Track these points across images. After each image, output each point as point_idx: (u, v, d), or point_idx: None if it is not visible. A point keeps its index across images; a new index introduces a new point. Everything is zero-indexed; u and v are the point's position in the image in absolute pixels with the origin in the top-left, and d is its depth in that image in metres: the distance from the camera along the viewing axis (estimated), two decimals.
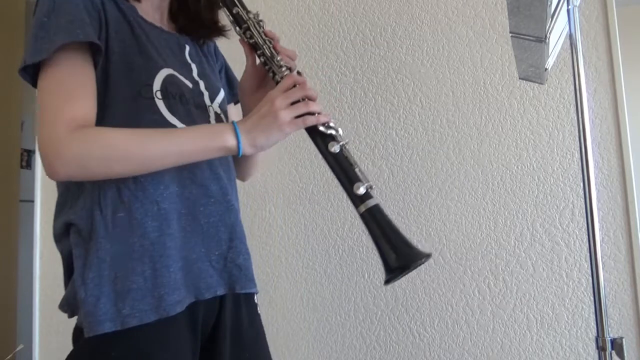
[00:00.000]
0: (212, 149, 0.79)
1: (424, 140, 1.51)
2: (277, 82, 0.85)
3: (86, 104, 0.76)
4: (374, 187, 0.80)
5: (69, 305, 0.80)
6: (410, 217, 1.50)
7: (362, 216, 0.78)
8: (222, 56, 1.09)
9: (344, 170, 0.79)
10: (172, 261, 0.79)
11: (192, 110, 0.87)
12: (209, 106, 0.92)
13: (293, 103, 0.80)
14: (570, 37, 0.92)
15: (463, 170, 1.47)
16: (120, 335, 0.73)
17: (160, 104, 0.82)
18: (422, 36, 1.55)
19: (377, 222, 0.77)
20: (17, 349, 1.99)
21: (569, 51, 0.92)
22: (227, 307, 0.88)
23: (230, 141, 0.79)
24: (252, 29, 0.87)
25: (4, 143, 2.64)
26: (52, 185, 0.84)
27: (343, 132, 0.83)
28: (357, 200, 0.78)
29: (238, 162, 1.00)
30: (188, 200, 0.83)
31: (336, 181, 0.82)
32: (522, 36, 0.92)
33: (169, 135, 0.78)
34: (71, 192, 0.81)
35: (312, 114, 0.81)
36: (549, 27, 0.90)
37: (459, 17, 1.52)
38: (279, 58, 0.86)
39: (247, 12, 0.88)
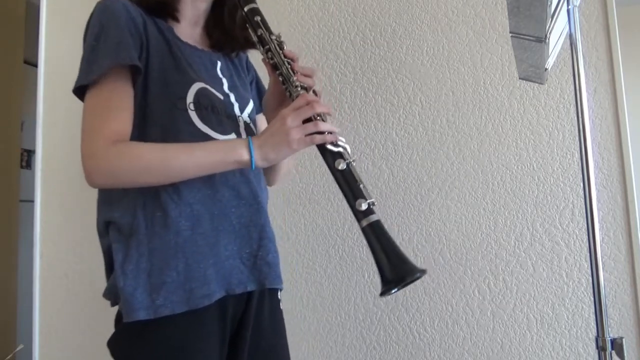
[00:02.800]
0: (228, 162, 0.86)
1: (424, 140, 1.51)
2: (293, 101, 0.91)
3: (122, 121, 0.86)
4: (376, 203, 0.84)
5: (111, 294, 0.88)
6: (410, 217, 1.50)
7: (364, 230, 0.83)
8: (254, 69, 1.17)
9: (349, 186, 0.85)
10: (204, 258, 0.87)
11: (224, 120, 0.95)
12: (238, 116, 1.00)
13: (304, 121, 0.86)
14: (570, 37, 0.91)
15: (463, 170, 1.47)
16: (154, 323, 0.82)
17: (193, 115, 0.90)
18: (422, 36, 1.55)
19: (377, 237, 0.82)
20: (17, 349, 1.99)
21: (569, 51, 0.92)
22: (253, 302, 0.95)
23: (244, 155, 0.86)
24: (273, 50, 0.94)
25: (4, 143, 2.64)
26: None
27: (350, 145, 0.89)
28: (360, 215, 0.83)
29: (265, 170, 1.09)
30: (220, 202, 0.91)
31: (334, 182, 0.86)
32: (522, 36, 0.92)
33: (189, 150, 0.86)
34: (115, 192, 0.90)
35: (321, 132, 0.86)
36: (549, 27, 0.90)
37: (459, 17, 1.52)
38: (295, 78, 0.92)
39: (270, 34, 0.95)
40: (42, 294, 1.75)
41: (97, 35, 0.87)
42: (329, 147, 0.86)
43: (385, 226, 0.83)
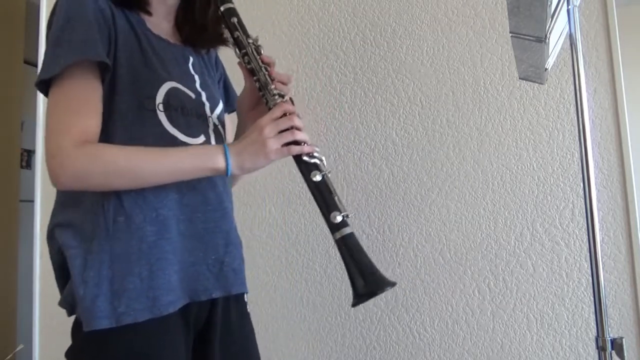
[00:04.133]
0: (203, 169, 0.84)
1: (424, 140, 1.51)
2: (270, 109, 0.89)
3: (91, 120, 0.81)
4: (350, 216, 0.85)
5: (67, 303, 0.84)
6: (410, 217, 1.50)
7: (337, 242, 0.83)
8: (222, 66, 1.13)
9: (323, 198, 0.85)
10: (169, 264, 0.84)
11: (193, 121, 0.92)
12: (209, 117, 0.97)
13: (281, 132, 0.85)
14: (570, 37, 0.91)
15: (463, 170, 1.47)
16: (116, 332, 0.78)
17: (162, 116, 0.87)
18: (422, 36, 1.55)
19: (349, 250, 0.83)
20: (17, 349, 1.99)
21: (569, 51, 0.92)
22: (218, 306, 0.93)
23: (220, 163, 0.84)
24: (250, 55, 0.92)
25: (4, 143, 2.64)
26: (52, 185, 0.84)
27: (326, 162, 0.89)
28: (334, 227, 0.83)
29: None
30: (187, 207, 0.88)
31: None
32: (522, 36, 0.92)
33: (164, 155, 0.83)
34: (73, 194, 0.85)
35: (297, 143, 0.86)
36: (549, 27, 0.90)
37: (459, 17, 1.52)
38: (272, 86, 0.90)
39: (247, 37, 0.93)
40: (42, 294, 1.75)
41: (62, 26, 0.81)
42: (305, 158, 0.86)
43: (358, 240, 0.84)
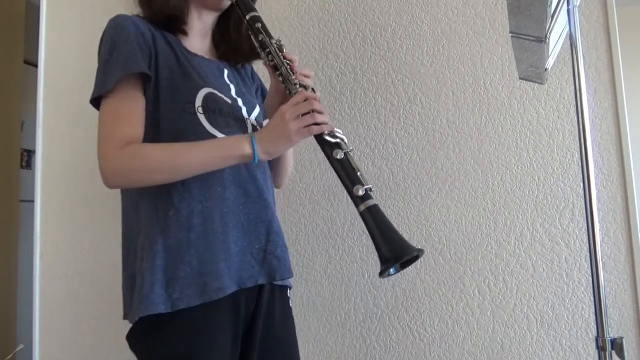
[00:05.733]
0: (232, 156, 0.91)
1: (424, 140, 1.51)
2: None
3: (132, 126, 0.92)
4: (373, 189, 0.88)
5: (124, 297, 0.96)
6: (410, 217, 1.50)
7: (362, 214, 0.86)
8: (259, 78, 1.23)
9: (347, 174, 0.89)
10: (215, 253, 0.91)
11: (231, 122, 0.99)
12: (246, 119, 1.04)
13: (302, 115, 0.91)
14: (570, 37, 0.91)
15: (463, 170, 1.47)
16: (171, 316, 0.87)
17: (202, 118, 0.95)
18: (422, 36, 1.55)
19: (374, 220, 0.85)
20: (17, 349, 1.99)
21: (569, 51, 0.92)
22: (264, 297, 0.99)
23: (247, 149, 0.90)
24: (273, 53, 0.99)
25: (4, 143, 2.64)
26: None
27: (348, 140, 0.93)
28: (358, 200, 0.86)
29: (273, 171, 1.13)
30: (229, 200, 0.95)
31: (337, 182, 0.89)
32: (522, 36, 0.92)
33: (195, 147, 0.90)
34: (131, 199, 0.97)
35: (317, 124, 0.91)
36: (549, 27, 0.90)
37: (459, 17, 1.52)
38: (293, 77, 0.97)
39: (270, 38, 1.00)
40: (42, 294, 1.75)
41: (109, 50, 0.93)
42: (327, 137, 0.91)
43: (383, 211, 0.86)
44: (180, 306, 0.87)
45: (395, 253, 0.82)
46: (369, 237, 0.85)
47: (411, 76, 1.54)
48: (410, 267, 1.29)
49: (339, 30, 1.62)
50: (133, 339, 0.92)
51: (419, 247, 0.84)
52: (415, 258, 0.85)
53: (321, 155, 0.92)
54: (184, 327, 0.88)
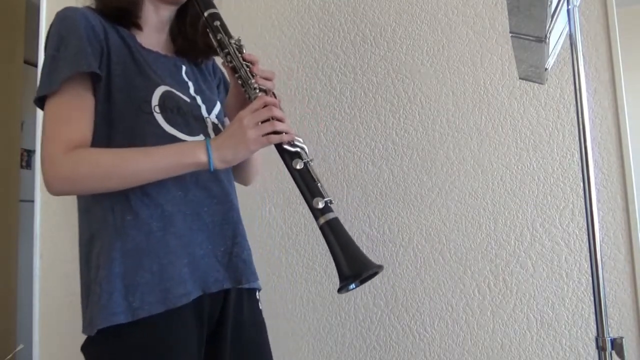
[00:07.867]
0: (185, 164, 0.86)
1: (424, 140, 1.51)
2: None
3: (80, 128, 0.86)
4: (333, 202, 0.86)
5: (83, 305, 0.91)
6: (410, 217, 1.50)
7: (321, 228, 0.85)
8: (221, 72, 1.16)
9: (307, 185, 0.86)
10: (177, 257, 0.87)
11: (191, 121, 0.95)
12: (206, 117, 1.00)
13: (261, 122, 0.87)
14: (570, 37, 0.91)
15: (463, 170, 1.47)
16: (131, 325, 0.82)
17: (159, 118, 0.90)
18: (422, 36, 1.55)
19: (334, 234, 0.83)
20: (17, 349, 1.99)
21: (569, 51, 0.92)
22: (230, 301, 0.96)
23: (202, 157, 0.86)
24: (231, 54, 0.94)
25: (4, 143, 2.64)
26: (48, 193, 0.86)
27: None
28: (317, 213, 0.84)
29: (235, 171, 1.08)
30: (192, 202, 0.92)
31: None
32: (522, 36, 0.92)
33: (147, 154, 0.86)
34: (85, 203, 0.92)
35: (277, 133, 0.87)
36: (549, 27, 0.89)
37: (459, 17, 1.52)
38: (253, 81, 0.92)
39: (229, 38, 0.95)
40: (42, 294, 1.75)
41: (56, 45, 0.86)
42: (286, 147, 0.88)
43: (344, 224, 0.84)
44: (141, 315, 0.82)
45: (354, 270, 0.81)
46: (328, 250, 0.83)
47: (411, 76, 1.54)
48: (410, 267, 1.28)
49: (339, 30, 1.62)
50: (90, 351, 0.87)
51: (379, 263, 0.82)
52: (374, 274, 0.84)
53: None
54: (146, 337, 0.83)
